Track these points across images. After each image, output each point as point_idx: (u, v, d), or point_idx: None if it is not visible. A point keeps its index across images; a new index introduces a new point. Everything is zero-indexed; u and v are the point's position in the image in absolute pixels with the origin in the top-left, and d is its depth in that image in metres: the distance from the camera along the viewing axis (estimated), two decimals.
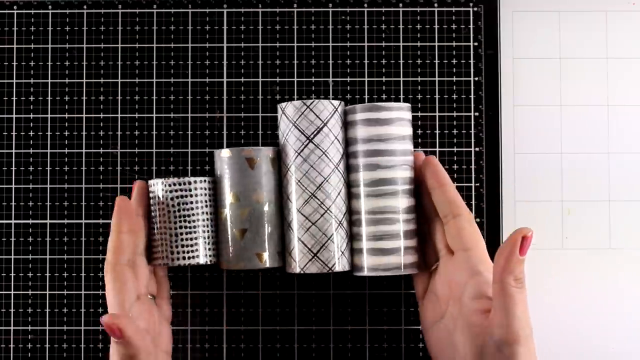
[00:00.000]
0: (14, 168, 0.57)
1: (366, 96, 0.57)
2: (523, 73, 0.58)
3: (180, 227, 0.51)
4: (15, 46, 0.57)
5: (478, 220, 0.56)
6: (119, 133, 0.57)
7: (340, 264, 0.51)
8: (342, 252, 0.51)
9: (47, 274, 0.56)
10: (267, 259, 0.51)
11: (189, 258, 0.51)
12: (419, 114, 0.57)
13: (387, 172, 0.50)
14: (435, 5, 0.57)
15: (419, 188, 0.52)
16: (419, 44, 0.57)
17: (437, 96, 0.57)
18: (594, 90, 0.58)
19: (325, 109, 0.51)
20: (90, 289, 0.56)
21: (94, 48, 0.57)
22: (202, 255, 0.51)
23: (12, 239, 0.56)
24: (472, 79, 0.57)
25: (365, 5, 0.58)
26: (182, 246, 0.51)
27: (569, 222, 0.57)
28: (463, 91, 0.57)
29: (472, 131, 0.57)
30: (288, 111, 0.51)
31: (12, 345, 0.56)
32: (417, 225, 0.52)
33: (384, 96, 0.57)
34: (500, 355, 0.43)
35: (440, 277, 0.50)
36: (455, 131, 0.57)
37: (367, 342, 0.56)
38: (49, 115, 0.57)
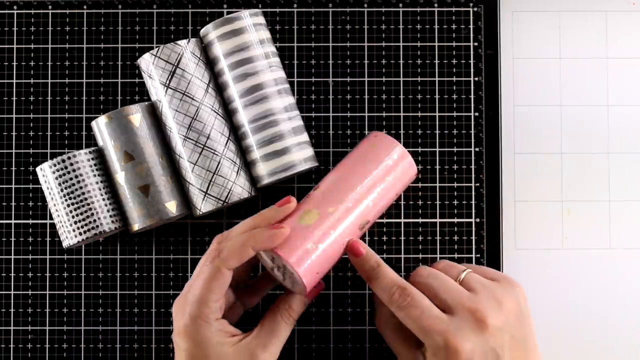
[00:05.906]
0: (14, 168, 0.57)
1: (366, 96, 0.57)
2: (523, 73, 0.58)
3: (70, 205, 0.51)
4: (15, 46, 0.57)
5: (478, 220, 0.56)
6: None
7: (234, 195, 0.51)
8: (234, 182, 0.51)
9: (47, 274, 0.56)
10: (176, 207, 0.52)
11: (89, 230, 0.51)
12: (419, 114, 0.57)
13: (255, 78, 0.51)
14: (435, 5, 0.57)
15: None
16: (419, 44, 0.57)
17: (437, 96, 0.57)
18: (594, 90, 0.58)
19: (172, 51, 0.51)
20: (91, 289, 0.56)
21: (94, 48, 0.57)
22: (105, 223, 0.51)
23: (12, 239, 0.56)
24: (472, 79, 0.57)
25: (365, 5, 0.58)
26: (77, 222, 0.51)
27: (569, 222, 0.57)
28: (463, 91, 0.57)
29: (472, 131, 0.57)
30: (142, 65, 0.52)
31: (12, 345, 0.56)
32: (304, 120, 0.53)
33: (384, 96, 0.57)
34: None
35: None
36: (455, 131, 0.57)
37: (367, 342, 0.56)
38: (49, 115, 0.57)
